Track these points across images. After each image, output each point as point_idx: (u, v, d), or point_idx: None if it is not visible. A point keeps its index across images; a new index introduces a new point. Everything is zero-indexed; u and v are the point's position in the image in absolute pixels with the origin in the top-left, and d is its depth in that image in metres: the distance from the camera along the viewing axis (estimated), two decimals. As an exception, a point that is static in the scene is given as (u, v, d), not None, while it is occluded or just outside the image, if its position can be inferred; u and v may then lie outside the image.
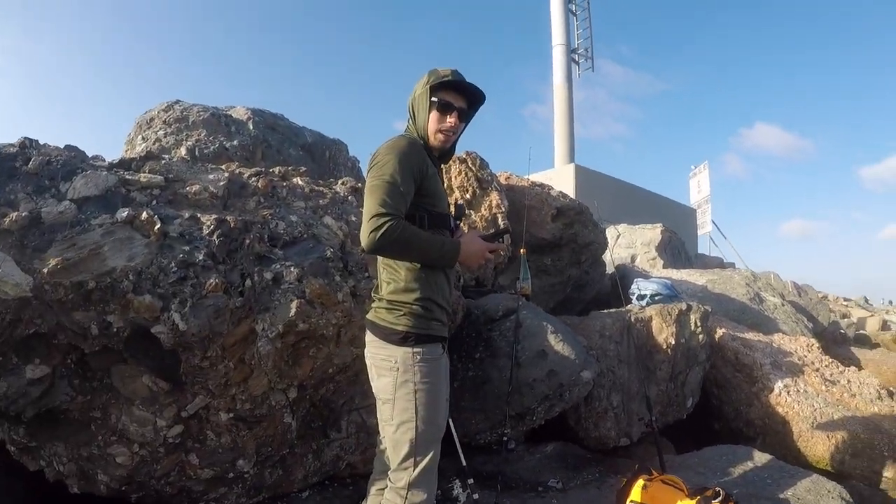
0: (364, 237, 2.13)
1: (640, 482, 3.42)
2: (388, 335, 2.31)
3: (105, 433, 2.94)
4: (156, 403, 2.90)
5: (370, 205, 2.15)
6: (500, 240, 2.54)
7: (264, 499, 3.54)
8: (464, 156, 5.94)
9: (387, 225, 2.09)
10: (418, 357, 2.27)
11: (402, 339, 2.28)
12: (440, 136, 2.41)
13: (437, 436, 2.35)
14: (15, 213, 2.75)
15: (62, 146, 3.32)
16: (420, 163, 2.29)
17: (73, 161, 3.15)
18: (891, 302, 21.58)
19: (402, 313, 2.29)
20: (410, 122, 2.48)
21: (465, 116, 2.47)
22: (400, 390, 2.28)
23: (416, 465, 2.28)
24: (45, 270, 2.60)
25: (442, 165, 2.67)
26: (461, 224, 2.62)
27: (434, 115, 2.38)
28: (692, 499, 3.29)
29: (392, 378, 2.29)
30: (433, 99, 2.37)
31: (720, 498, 3.32)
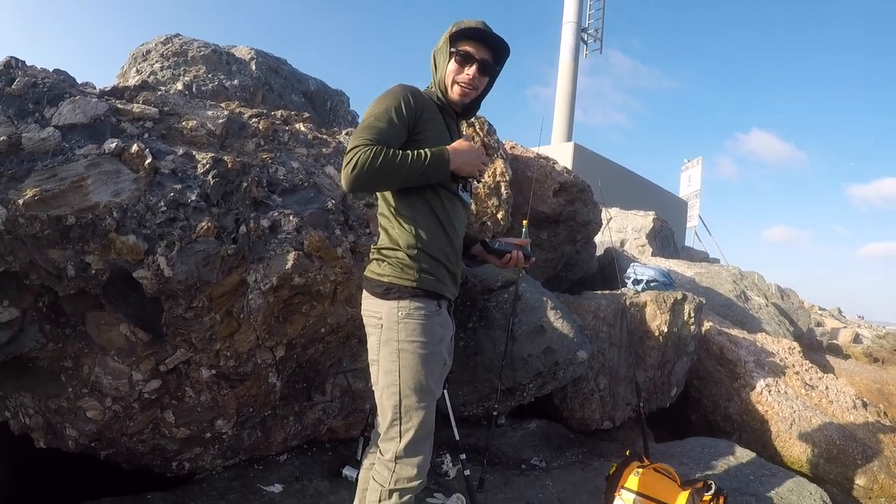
0: (342, 177, 1.97)
1: (635, 469, 3.35)
2: (374, 288, 2.13)
3: (76, 385, 2.71)
4: (133, 355, 2.66)
5: (348, 146, 2.00)
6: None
7: (240, 461, 3.36)
8: (472, 119, 5.67)
9: (353, 155, 1.92)
10: (403, 312, 2.07)
11: (385, 292, 2.10)
12: (457, 87, 2.25)
13: (425, 403, 2.12)
14: (-9, 137, 2.45)
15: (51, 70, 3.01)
16: (416, 106, 2.13)
17: (60, 85, 2.82)
18: (862, 317, 22.04)
19: (387, 264, 2.12)
20: (433, 75, 2.33)
21: (490, 70, 2.30)
22: (384, 349, 2.10)
23: (402, 435, 2.09)
24: (21, 202, 2.31)
25: (464, 122, 2.48)
26: (470, 187, 2.42)
27: (453, 66, 2.23)
28: (684, 490, 3.24)
29: (377, 336, 2.11)
30: (452, 49, 2.22)
31: (712, 491, 3.28)
